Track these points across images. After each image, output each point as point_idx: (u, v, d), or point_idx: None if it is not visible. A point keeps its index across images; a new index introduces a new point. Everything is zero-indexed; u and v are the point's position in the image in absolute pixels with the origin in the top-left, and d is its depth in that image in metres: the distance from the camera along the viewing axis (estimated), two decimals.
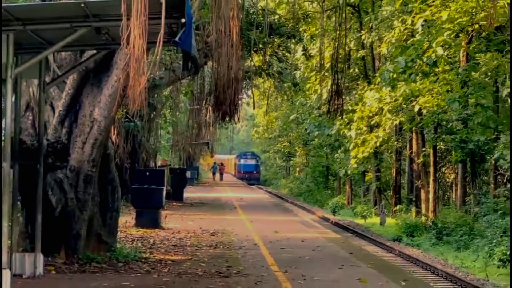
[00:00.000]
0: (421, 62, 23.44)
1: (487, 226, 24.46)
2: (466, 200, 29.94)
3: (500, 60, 22.88)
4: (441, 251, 24.15)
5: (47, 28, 12.02)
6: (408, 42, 24.28)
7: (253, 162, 74.26)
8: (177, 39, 10.15)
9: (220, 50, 14.67)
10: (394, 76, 24.22)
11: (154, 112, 31.78)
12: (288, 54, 33.40)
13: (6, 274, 10.09)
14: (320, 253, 18.37)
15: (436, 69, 24.08)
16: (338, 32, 23.80)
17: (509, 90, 22.82)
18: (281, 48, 30.55)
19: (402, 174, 37.09)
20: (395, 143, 34.31)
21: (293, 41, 30.68)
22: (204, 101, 30.93)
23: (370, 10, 32.79)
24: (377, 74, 29.91)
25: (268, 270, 14.53)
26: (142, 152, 32.57)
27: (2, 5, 10.81)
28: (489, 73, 25.64)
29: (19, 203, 13.39)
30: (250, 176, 71.18)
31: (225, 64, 14.72)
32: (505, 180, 28.81)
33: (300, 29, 31.05)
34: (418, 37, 23.51)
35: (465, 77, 25.16)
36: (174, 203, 35.10)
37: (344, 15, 24.30)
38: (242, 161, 75.61)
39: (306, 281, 12.62)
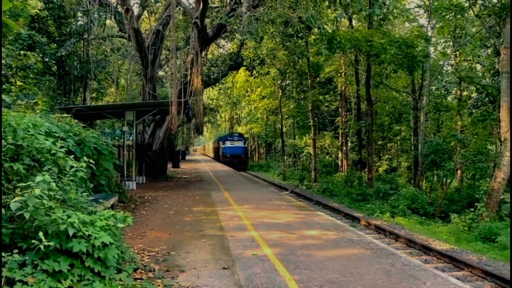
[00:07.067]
0: (254, 119, 48.41)
1: (273, 166, 41.22)
2: (267, 158, 52.66)
3: (276, 119, 44.38)
4: (260, 173, 38.17)
5: (144, 109, 18.28)
6: (250, 113, 49.42)
7: (240, 144, 43.86)
8: (185, 112, 17.54)
9: (197, 115, 18.58)
10: (247, 122, 50.70)
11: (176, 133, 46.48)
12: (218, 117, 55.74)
13: (134, 183, 17.16)
14: (226, 174, 28.64)
15: (258, 121, 47.37)
16: (232, 111, 51.83)
17: None
18: (213, 114, 51.71)
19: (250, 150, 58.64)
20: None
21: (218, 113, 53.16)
22: (193, 130, 46.44)
23: (238, 105, 55.90)
24: (241, 122, 56.51)
25: (213, 179, 23.62)
26: (173, 145, 39.41)
27: (131, 102, 19.72)
28: (272, 123, 44.81)
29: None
30: (238, 161, 41.91)
31: (198, 119, 18.96)
32: (276, 151, 48.94)
33: (219, 109, 53.21)
34: (254, 111, 48.23)
35: (265, 123, 46.04)
36: (183, 161, 48.76)
37: (234, 109, 52.06)
38: (228, 144, 43.95)
39: (224, 180, 22.57)
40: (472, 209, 14.60)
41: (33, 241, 4.11)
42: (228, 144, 43.97)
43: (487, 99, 24.59)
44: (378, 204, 17.91)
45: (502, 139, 15.10)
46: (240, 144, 43.80)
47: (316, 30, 17.36)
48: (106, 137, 29.59)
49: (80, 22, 22.27)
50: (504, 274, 8.42)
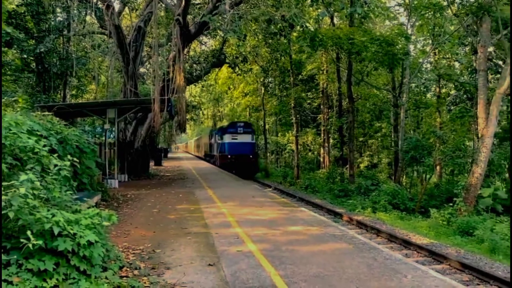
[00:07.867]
0: (236, 115, 50.05)
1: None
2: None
3: (258, 115, 45.69)
4: None
5: (126, 107, 18.40)
6: (233, 110, 50.37)
7: (247, 138, 29.62)
8: (168, 109, 17.06)
9: (180, 112, 18.21)
10: (230, 118, 51.29)
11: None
12: (200, 114, 54.03)
13: (116, 181, 17.30)
14: (210, 172, 28.61)
15: (240, 118, 48.77)
16: (214, 108, 51.61)
17: None
18: (196, 111, 49.09)
19: None
20: None
21: (200, 110, 52.11)
22: (175, 127, 39.07)
23: (221, 102, 55.63)
24: (224, 119, 55.88)
25: (196, 176, 24.08)
26: (155, 142, 36.45)
27: (112, 99, 19.67)
28: (255, 120, 46.12)
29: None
30: (244, 164, 28.54)
31: (181, 116, 18.47)
32: (259, 149, 47.85)
33: (201, 106, 51.82)
34: (235, 107, 49.73)
35: (248, 120, 47.90)
36: (165, 159, 46.74)
37: (217, 106, 51.83)
38: (229, 138, 29.59)
39: (207, 178, 23.04)
40: (451, 204, 14.95)
41: (20, 239, 4.08)
42: (228, 138, 29.92)
43: (465, 96, 25.16)
44: (360, 200, 18.18)
45: (480, 135, 15.52)
46: (247, 138, 29.79)
47: (298, 28, 17.46)
48: (87, 135, 29.51)
49: (59, 18, 21.87)
50: (481, 266, 8.71)
